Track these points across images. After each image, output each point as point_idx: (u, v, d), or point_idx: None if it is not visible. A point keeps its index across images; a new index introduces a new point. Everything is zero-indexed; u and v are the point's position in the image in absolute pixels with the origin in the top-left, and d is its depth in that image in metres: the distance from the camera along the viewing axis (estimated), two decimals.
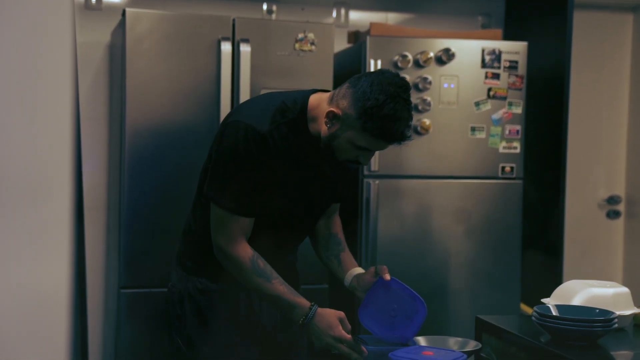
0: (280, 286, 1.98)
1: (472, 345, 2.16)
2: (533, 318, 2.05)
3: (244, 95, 2.95)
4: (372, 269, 2.13)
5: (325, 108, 1.94)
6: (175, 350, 2.11)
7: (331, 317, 1.97)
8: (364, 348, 1.98)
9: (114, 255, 3.11)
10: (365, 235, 3.16)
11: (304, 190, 2.04)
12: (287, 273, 2.08)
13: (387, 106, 1.83)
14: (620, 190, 3.99)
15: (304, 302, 1.98)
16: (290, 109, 1.95)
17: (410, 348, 2.01)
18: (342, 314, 2.01)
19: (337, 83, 3.09)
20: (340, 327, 1.97)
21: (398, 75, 1.92)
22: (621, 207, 3.99)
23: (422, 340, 2.18)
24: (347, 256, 2.23)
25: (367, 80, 1.87)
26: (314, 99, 1.98)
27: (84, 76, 3.16)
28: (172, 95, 2.91)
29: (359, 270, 2.20)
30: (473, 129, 3.25)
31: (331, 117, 1.90)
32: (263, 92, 2.98)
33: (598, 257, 3.95)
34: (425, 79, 3.19)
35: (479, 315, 2.32)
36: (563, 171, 3.39)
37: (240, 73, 2.95)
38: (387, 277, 2.08)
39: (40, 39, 0.95)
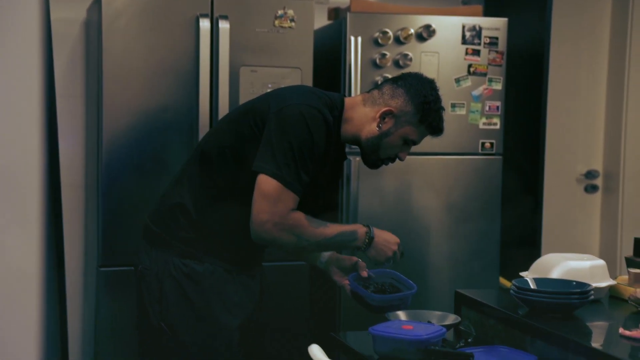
0: (334, 225, 2.09)
1: (451, 319, 2.18)
2: (511, 291, 2.08)
3: (223, 73, 2.93)
4: (353, 259, 2.23)
5: (367, 111, 2.10)
6: (158, 335, 2.09)
7: (387, 234, 2.15)
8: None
9: (92, 234, 3.09)
10: (346, 212, 3.17)
11: (318, 181, 2.13)
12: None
13: (439, 101, 2.14)
14: (598, 165, 4.03)
15: (358, 225, 2.13)
16: (334, 107, 2.09)
17: (390, 322, 2.03)
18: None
19: (317, 60, 3.10)
20: (397, 238, 2.16)
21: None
22: (599, 182, 4.02)
23: (401, 315, 2.20)
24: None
25: (413, 80, 2.12)
26: (348, 101, 2.14)
27: (60, 53, 3.12)
28: (150, 72, 2.88)
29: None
30: (453, 106, 3.26)
31: (384, 116, 2.08)
32: (242, 69, 2.97)
33: (576, 231, 3.99)
34: (405, 55, 3.18)
35: (458, 290, 2.34)
36: (542, 147, 3.41)
37: (220, 50, 2.93)
38: (364, 274, 2.22)
39: (7, 15, 0.93)
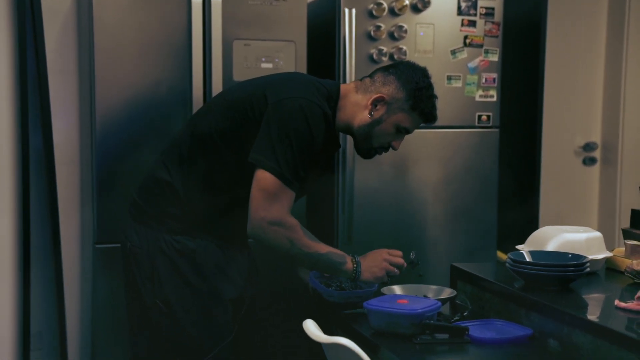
0: (325, 245, 2.06)
1: (447, 292, 2.18)
2: (507, 264, 2.07)
3: (216, 46, 2.89)
4: None
5: (359, 98, 2.09)
6: (151, 313, 2.07)
7: (372, 253, 2.11)
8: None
9: (88, 211, 3.07)
10: (342, 186, 3.15)
11: (312, 174, 2.13)
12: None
13: (431, 88, 2.13)
14: (596, 137, 4.01)
15: (344, 253, 2.10)
16: (332, 97, 2.08)
17: (385, 297, 2.02)
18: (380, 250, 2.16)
19: (310, 33, 3.05)
20: (384, 250, 2.11)
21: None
22: (597, 154, 4.00)
23: (397, 289, 2.19)
24: None
25: (404, 68, 2.12)
26: (342, 89, 2.13)
27: (51, 28, 3.07)
28: (142, 47, 2.84)
29: None
30: (449, 78, 3.22)
31: (375, 103, 2.07)
32: (236, 43, 2.93)
33: (574, 203, 3.98)
34: (400, 27, 3.14)
35: (454, 263, 2.33)
36: (539, 119, 3.39)
37: (212, 23, 2.88)
38: None
39: None
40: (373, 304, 1.93)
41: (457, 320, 2.01)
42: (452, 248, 3.30)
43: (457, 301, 2.21)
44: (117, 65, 2.81)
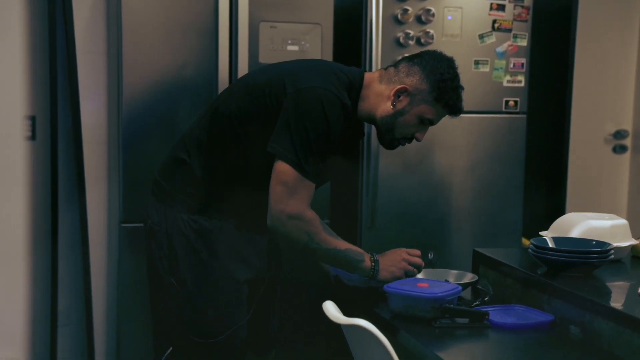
0: (345, 242, 2.05)
1: (468, 277, 2.17)
2: (530, 250, 2.05)
3: (243, 28, 2.89)
4: None
5: (382, 89, 2.05)
6: (167, 290, 2.10)
7: (391, 252, 2.09)
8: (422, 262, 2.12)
9: (114, 190, 3.10)
10: (367, 172, 3.13)
11: (337, 163, 2.14)
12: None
13: (456, 79, 2.06)
14: (627, 125, 3.94)
15: (362, 250, 2.08)
16: (353, 87, 2.05)
17: (406, 280, 2.02)
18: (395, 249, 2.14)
19: (337, 16, 3.03)
20: (402, 250, 2.09)
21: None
22: (628, 142, 3.94)
23: (421, 274, 2.18)
24: None
25: (430, 58, 2.06)
26: (366, 77, 2.09)
27: (80, 10, 3.10)
28: (169, 29, 2.84)
29: None
30: (477, 63, 3.19)
31: (398, 94, 2.03)
32: (262, 25, 2.92)
33: (603, 192, 3.92)
34: (428, 10, 3.11)
35: (476, 248, 2.31)
36: (568, 105, 3.35)
37: (239, 5, 2.87)
38: None
39: None
40: (393, 286, 1.93)
41: (478, 305, 2.00)
42: (477, 235, 3.28)
43: (479, 286, 2.20)
44: (144, 47, 2.83)
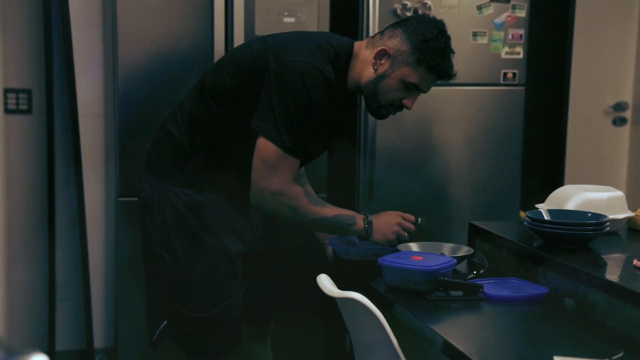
0: (333, 207, 2.02)
1: (464, 250, 2.16)
2: (525, 223, 2.04)
3: (238, 3, 2.85)
4: None
5: (367, 54, 1.99)
6: (160, 262, 2.10)
7: (385, 214, 2.07)
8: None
9: (111, 165, 3.09)
10: (364, 145, 3.12)
11: (327, 136, 2.09)
12: None
13: (441, 40, 1.95)
14: (627, 97, 3.91)
15: (352, 211, 2.07)
16: (340, 59, 1.99)
17: (401, 253, 2.01)
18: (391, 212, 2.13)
19: None
20: (397, 213, 2.08)
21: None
22: (628, 114, 3.91)
23: (414, 246, 2.18)
24: None
25: (414, 21, 1.98)
26: (355, 47, 2.03)
27: None
28: (163, 1, 2.81)
29: None
30: (475, 34, 3.15)
31: (379, 56, 1.96)
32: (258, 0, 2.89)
33: (602, 165, 3.90)
34: None
35: (472, 221, 2.31)
36: (567, 77, 3.31)
37: None
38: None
39: None
40: (387, 259, 1.92)
41: (473, 277, 2.00)
42: (475, 208, 3.27)
43: (474, 259, 2.20)
44: (140, 18, 2.80)
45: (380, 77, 1.98)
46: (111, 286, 3.12)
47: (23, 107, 3.07)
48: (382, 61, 1.97)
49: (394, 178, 3.16)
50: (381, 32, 2.04)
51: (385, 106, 2.04)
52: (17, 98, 3.06)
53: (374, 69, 1.98)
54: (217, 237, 2.05)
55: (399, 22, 2.02)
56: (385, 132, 3.13)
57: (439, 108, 3.17)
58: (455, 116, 3.19)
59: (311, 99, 1.90)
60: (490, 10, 3.14)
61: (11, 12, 3.01)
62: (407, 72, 1.97)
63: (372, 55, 1.98)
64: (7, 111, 3.05)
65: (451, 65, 1.99)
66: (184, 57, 2.87)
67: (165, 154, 2.10)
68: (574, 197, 2.13)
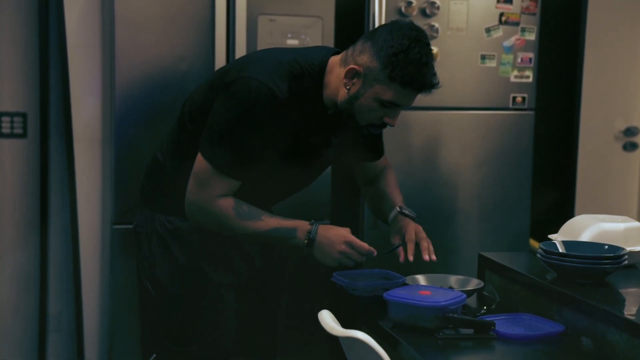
0: (272, 219, 1.89)
1: (474, 283, 2.07)
2: (538, 255, 1.95)
3: (240, 21, 2.81)
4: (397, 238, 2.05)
5: (340, 71, 1.83)
6: (148, 292, 2.02)
7: (338, 228, 1.90)
8: (372, 249, 1.89)
9: (107, 190, 3.01)
10: None
11: (304, 159, 1.95)
12: None
13: (413, 50, 1.75)
14: (638, 121, 3.84)
15: (302, 222, 1.89)
16: (306, 76, 1.84)
17: (407, 287, 1.91)
18: (348, 229, 1.93)
19: (339, 8, 2.94)
20: (348, 234, 1.89)
21: (412, 22, 1.85)
22: (638, 139, 3.83)
23: (420, 279, 2.09)
24: (386, 204, 2.15)
25: (384, 30, 1.79)
26: (330, 62, 1.87)
27: (72, 3, 3.00)
28: (164, 21, 2.77)
29: (394, 212, 2.12)
30: (483, 57, 3.11)
31: (351, 75, 1.81)
32: (261, 18, 2.85)
33: (613, 191, 3.82)
34: (432, 3, 3.02)
35: (482, 252, 2.21)
36: (578, 101, 3.26)
37: None
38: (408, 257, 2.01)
39: None
40: (393, 294, 1.82)
41: (484, 313, 1.90)
42: (483, 234, 3.20)
43: (485, 293, 2.10)
44: (138, 41, 2.76)
45: (353, 98, 1.82)
46: (106, 317, 3.03)
47: (18, 131, 3.01)
48: (354, 80, 1.81)
49: None
50: (353, 46, 1.87)
51: (366, 126, 1.88)
52: (12, 122, 3.00)
53: (347, 88, 1.83)
54: (201, 268, 1.96)
55: (370, 34, 1.85)
56: (391, 156, 3.02)
57: (446, 132, 3.12)
58: (464, 141, 3.14)
59: (255, 117, 1.78)
60: (499, 33, 3.10)
61: (6, 34, 2.95)
62: (381, 90, 1.79)
63: (343, 74, 1.83)
64: (2, 135, 2.99)
65: (430, 76, 1.79)
66: (184, 80, 2.82)
67: (153, 181, 2.05)
68: (589, 227, 2.04)
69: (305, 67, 1.85)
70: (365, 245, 1.88)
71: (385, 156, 2.25)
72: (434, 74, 1.81)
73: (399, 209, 2.08)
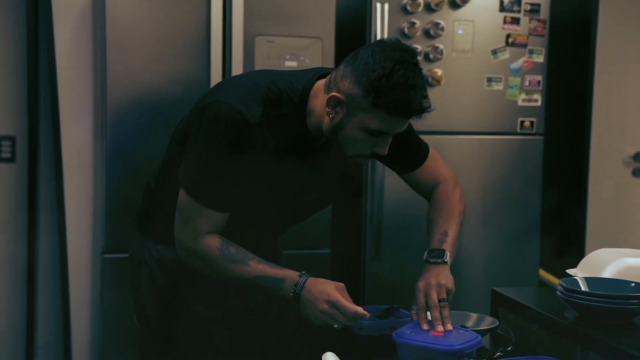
0: (259, 265, 1.73)
1: (487, 322, 1.93)
2: (558, 293, 1.82)
3: (237, 43, 2.73)
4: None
5: (324, 97, 1.69)
6: (136, 323, 1.92)
7: (326, 283, 1.70)
8: (365, 312, 1.68)
9: (98, 218, 2.91)
10: (371, 196, 2.97)
11: (291, 190, 1.79)
12: (269, 255, 1.83)
13: (397, 73, 1.59)
14: None
15: (292, 272, 1.73)
16: (286, 100, 1.70)
17: (417, 326, 1.77)
18: (341, 285, 1.73)
19: (339, 29, 2.85)
20: (338, 293, 1.69)
21: (399, 40, 1.67)
22: None
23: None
24: (429, 238, 1.91)
25: (365, 52, 1.63)
26: (316, 87, 1.72)
27: (62, 25, 2.90)
28: (157, 43, 2.69)
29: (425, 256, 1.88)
30: (489, 80, 3.05)
31: (333, 104, 1.65)
32: (258, 39, 2.77)
33: (623, 218, 3.72)
34: (437, 24, 2.95)
35: (495, 288, 2.08)
36: (588, 126, 3.20)
37: (233, 17, 2.72)
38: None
39: None
40: (403, 336, 1.68)
41: (500, 356, 1.76)
42: (491, 266, 3.11)
43: (498, 331, 1.96)
44: (131, 63, 2.69)
45: (337, 127, 1.67)
46: (96, 349, 2.93)
47: (6, 155, 2.92)
48: (337, 109, 1.67)
49: (403, 233, 3.01)
50: (336, 69, 1.71)
51: (354, 157, 1.73)
52: (0, 145, 2.89)
53: (329, 117, 1.68)
54: (188, 301, 1.83)
55: (351, 57, 1.69)
56: (394, 183, 2.96)
57: (451, 158, 3.04)
58: (469, 167, 3.08)
59: (225, 142, 1.66)
60: (505, 55, 3.06)
61: None
62: (366, 119, 1.64)
63: (325, 103, 1.69)
64: None
65: (419, 99, 1.62)
66: (178, 103, 2.72)
67: (145, 208, 1.95)
68: (611, 263, 1.91)
69: (285, 91, 1.71)
70: (351, 307, 1.67)
71: (444, 164, 2.00)
72: (424, 97, 1.64)
73: (425, 256, 1.87)
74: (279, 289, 1.72)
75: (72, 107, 2.93)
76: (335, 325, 1.68)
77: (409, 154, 1.94)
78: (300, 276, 1.71)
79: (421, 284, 1.79)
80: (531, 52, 3.06)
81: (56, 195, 2.88)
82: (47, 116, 2.91)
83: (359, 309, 1.67)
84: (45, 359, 2.97)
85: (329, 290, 1.68)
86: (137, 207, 2.01)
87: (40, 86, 2.88)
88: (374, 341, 1.85)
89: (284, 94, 1.70)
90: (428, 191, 1.99)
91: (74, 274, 2.93)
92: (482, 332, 1.85)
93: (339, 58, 2.88)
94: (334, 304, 1.67)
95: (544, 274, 3.10)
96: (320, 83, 1.73)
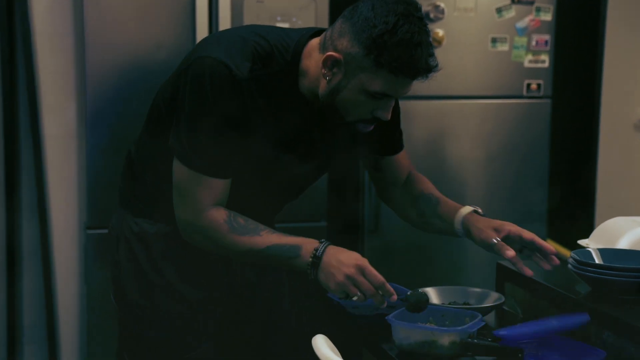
0: (273, 234, 1.60)
1: (493, 298, 1.85)
2: (569, 266, 1.71)
3: (224, 5, 2.66)
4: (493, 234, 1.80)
5: (318, 57, 1.56)
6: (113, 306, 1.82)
7: (354, 252, 1.59)
8: (390, 289, 1.55)
9: (81, 192, 2.86)
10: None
11: (287, 155, 1.67)
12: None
13: (401, 29, 1.47)
14: None
15: (309, 240, 1.60)
16: (277, 57, 1.57)
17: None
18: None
19: None
20: (363, 262, 1.56)
21: None
22: None
23: (431, 292, 1.84)
24: (445, 206, 1.88)
25: (365, 6, 1.51)
26: (310, 45, 1.58)
27: None
28: (139, 5, 2.63)
29: (467, 209, 1.85)
30: (494, 40, 3.01)
31: (329, 64, 1.53)
32: (247, 0, 2.69)
33: (634, 183, 3.64)
34: None
35: (500, 261, 1.96)
36: (598, 87, 3.21)
37: None
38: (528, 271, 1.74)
39: None
40: (399, 317, 1.56)
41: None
42: None
43: (505, 307, 1.86)
44: (112, 27, 2.66)
45: (335, 90, 1.55)
46: (83, 329, 2.87)
47: None
48: (334, 70, 1.55)
49: None
50: (332, 26, 1.59)
51: (354, 123, 1.61)
52: None
53: (326, 79, 1.56)
54: (170, 278, 1.72)
55: (349, 11, 1.56)
56: None
57: (453, 124, 3.05)
58: (473, 133, 3.05)
59: (213, 98, 1.54)
60: (511, 14, 3.00)
61: None
62: (367, 80, 1.52)
63: (320, 63, 1.57)
64: None
65: (425, 57, 1.51)
66: (162, 70, 2.61)
67: (125, 178, 1.84)
68: (627, 233, 1.79)
69: (276, 47, 1.58)
70: (380, 277, 1.55)
71: (409, 159, 1.96)
72: (431, 55, 1.52)
73: (472, 209, 1.87)
74: (295, 257, 1.58)
75: (52, 77, 2.84)
76: (355, 298, 1.55)
77: (396, 132, 1.87)
78: (321, 242, 1.59)
79: (513, 228, 1.84)
80: (538, 9, 3.01)
81: (35, 170, 2.80)
82: (24, 87, 2.81)
83: (387, 284, 1.54)
84: (31, 340, 2.91)
85: (358, 256, 1.56)
86: (119, 179, 1.90)
87: (17, 53, 2.78)
88: (369, 320, 1.73)
89: (274, 50, 1.58)
90: (402, 179, 1.92)
91: (57, 251, 2.88)
92: (487, 309, 1.75)
93: (334, 20, 2.75)
94: (362, 270, 1.53)
95: (551, 243, 3.01)
96: (315, 41, 1.60)
